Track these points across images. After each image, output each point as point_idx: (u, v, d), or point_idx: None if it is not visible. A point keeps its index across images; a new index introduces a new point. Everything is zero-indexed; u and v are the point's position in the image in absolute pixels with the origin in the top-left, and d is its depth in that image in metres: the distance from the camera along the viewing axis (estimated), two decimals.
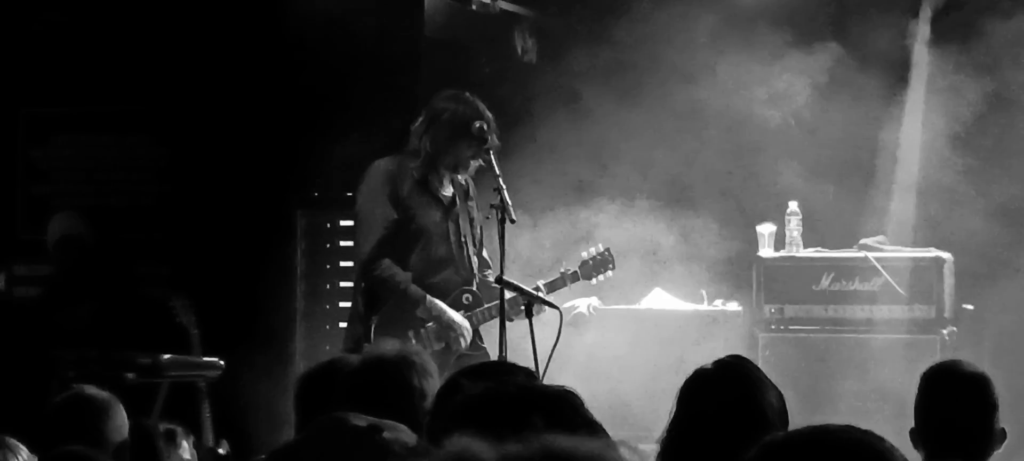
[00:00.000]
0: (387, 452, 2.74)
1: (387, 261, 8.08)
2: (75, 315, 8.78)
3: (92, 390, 5.69)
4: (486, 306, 8.17)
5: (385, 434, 2.71)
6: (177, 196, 10.14)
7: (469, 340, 8.09)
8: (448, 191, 8.26)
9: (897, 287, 9.36)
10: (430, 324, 8.06)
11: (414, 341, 7.81)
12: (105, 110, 10.27)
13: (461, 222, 8.26)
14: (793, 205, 9.62)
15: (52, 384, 7.17)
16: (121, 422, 5.55)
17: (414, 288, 8.06)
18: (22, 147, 10.54)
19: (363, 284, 8.28)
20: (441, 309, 8.06)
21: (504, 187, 7.89)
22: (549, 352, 7.70)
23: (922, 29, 10.25)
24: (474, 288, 8.23)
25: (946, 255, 9.42)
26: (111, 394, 5.63)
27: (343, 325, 9.44)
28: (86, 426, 5.40)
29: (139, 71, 10.08)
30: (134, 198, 10.17)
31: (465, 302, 8.16)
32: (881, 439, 2.87)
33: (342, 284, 9.88)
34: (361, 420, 3.80)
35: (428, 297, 8.05)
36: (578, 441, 1.79)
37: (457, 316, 8.09)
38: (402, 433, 2.76)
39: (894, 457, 2.85)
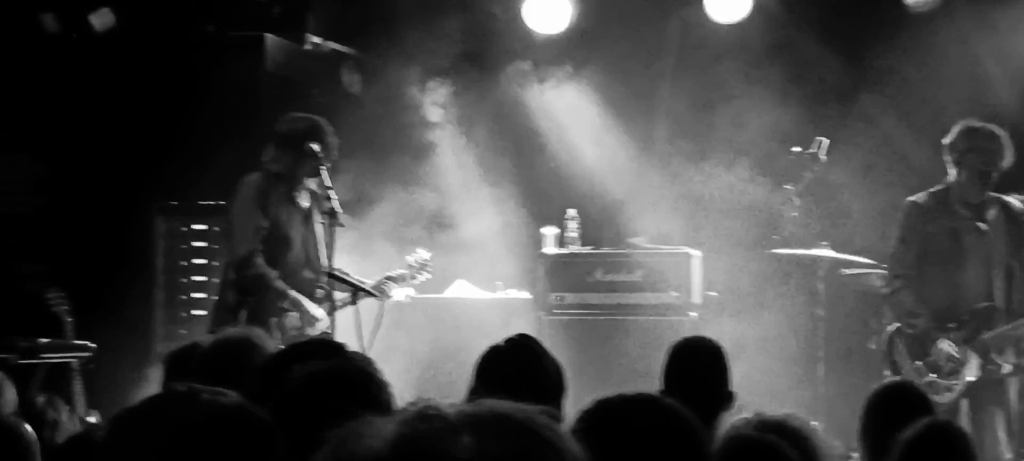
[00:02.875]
0: (208, 409, 2.49)
1: (259, 261, 8.07)
2: None
3: None
4: (336, 298, 8.23)
5: (203, 395, 2.53)
6: (54, 205, 10.11)
7: (323, 326, 8.06)
8: (305, 203, 8.26)
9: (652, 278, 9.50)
10: (292, 313, 8.05)
11: (277, 327, 7.93)
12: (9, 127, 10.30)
13: (315, 228, 8.22)
14: (572, 212, 9.93)
15: None
16: (11, 396, 5.73)
17: (280, 283, 8.06)
18: None
19: (236, 280, 8.18)
20: (301, 301, 8.08)
21: (334, 196, 8.07)
22: (372, 333, 8.07)
23: (666, 65, 10.44)
24: (324, 283, 8.21)
25: (695, 252, 9.64)
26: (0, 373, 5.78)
27: (196, 313, 9.71)
28: None
29: (21, 97, 10.21)
30: (15, 207, 10.13)
31: (318, 295, 8.17)
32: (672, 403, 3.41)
33: (195, 279, 10.13)
34: (185, 387, 3.48)
35: (291, 291, 8.06)
36: (516, 404, 1.69)
37: (313, 306, 8.11)
38: (221, 395, 2.58)
39: (680, 413, 3.27)
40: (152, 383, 6.65)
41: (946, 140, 8.20)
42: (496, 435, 1.59)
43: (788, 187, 9.56)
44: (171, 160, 10.10)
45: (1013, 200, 8.33)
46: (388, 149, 10.21)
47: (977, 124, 8.23)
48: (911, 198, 8.40)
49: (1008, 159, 8.11)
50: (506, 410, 1.64)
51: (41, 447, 4.50)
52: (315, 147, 8.09)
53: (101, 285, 9.50)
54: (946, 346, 8.10)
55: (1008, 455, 7.26)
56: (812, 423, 4.15)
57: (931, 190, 8.34)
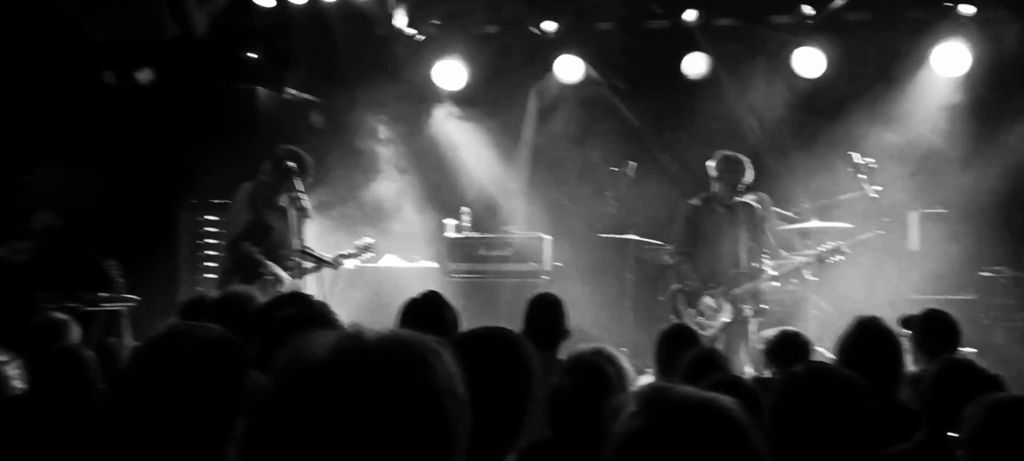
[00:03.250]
0: (201, 338, 2.27)
1: (246, 243, 8.02)
2: (51, 271, 8.47)
3: (58, 315, 5.73)
4: (305, 267, 8.14)
5: (197, 329, 2.32)
6: (109, 202, 9.99)
7: (290, 285, 7.84)
8: (283, 203, 8.09)
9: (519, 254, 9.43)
10: (269, 277, 7.92)
11: (260, 285, 7.57)
12: (67, 150, 10.14)
13: (290, 221, 8.04)
14: (465, 209, 9.91)
15: (33, 313, 6.55)
16: (76, 334, 5.57)
17: (260, 256, 7.98)
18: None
19: (232, 255, 8.17)
20: (275, 269, 7.98)
21: (304, 198, 8.01)
22: (330, 290, 8.02)
23: (529, 110, 10.41)
24: (295, 258, 8.10)
25: (547, 236, 9.58)
26: (69, 317, 5.68)
27: (207, 276, 9.57)
28: (59, 339, 5.26)
29: (88, 129, 10.06)
30: (83, 203, 9.92)
31: (289, 265, 8.05)
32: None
33: (207, 253, 9.91)
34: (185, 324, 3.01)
35: (268, 262, 7.97)
36: (418, 333, 1.64)
37: (282, 272, 7.99)
38: (209, 328, 2.36)
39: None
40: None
41: (710, 163, 8.21)
42: (398, 348, 1.58)
43: (608, 193, 9.63)
44: (191, 172, 10.02)
45: (751, 200, 8.32)
46: (343, 167, 10.07)
47: (729, 153, 8.24)
48: (689, 200, 8.37)
49: (750, 176, 8.14)
50: (409, 336, 1.62)
51: (100, 368, 4.47)
52: (292, 166, 8.02)
53: (142, 257, 9.27)
54: (709, 299, 8.14)
55: (748, 369, 7.37)
56: (622, 349, 4.27)
57: (701, 195, 8.31)
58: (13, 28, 8.79)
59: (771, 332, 5.41)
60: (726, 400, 1.85)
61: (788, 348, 4.98)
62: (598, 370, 3.65)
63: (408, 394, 1.53)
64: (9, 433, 4.10)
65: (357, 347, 1.55)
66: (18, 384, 4.49)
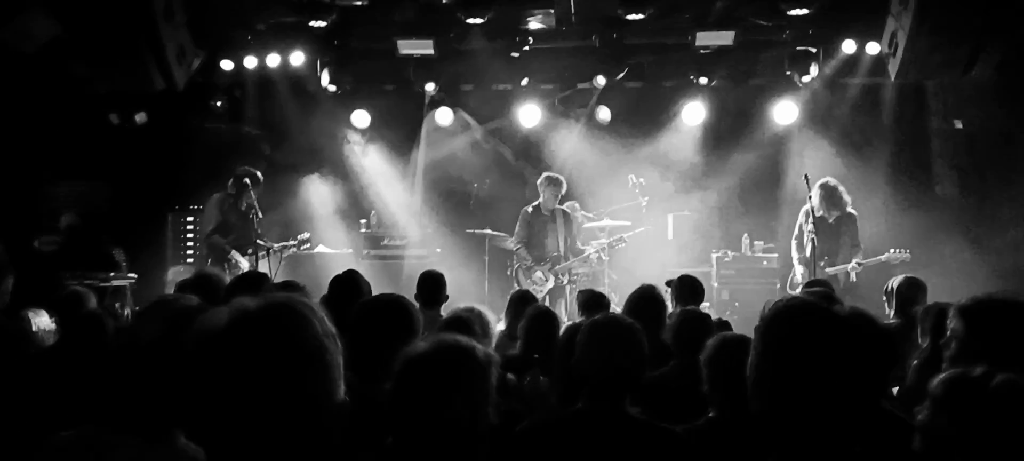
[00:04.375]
0: (184, 305, 2.12)
1: (216, 236, 7.85)
2: (74, 257, 7.94)
3: (79, 288, 5.35)
4: (259, 254, 7.86)
5: (181, 300, 2.17)
6: (115, 208, 9.53)
7: (246, 267, 7.60)
8: (243, 207, 7.87)
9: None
10: (233, 262, 7.71)
11: (227, 268, 7.56)
12: (83, 170, 9.60)
13: (252, 220, 7.77)
14: (374, 212, 9.68)
15: (59, 288, 6.64)
16: (92, 302, 5.08)
17: (228, 247, 7.78)
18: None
19: (206, 246, 7.98)
20: (237, 258, 7.76)
21: (257, 206, 7.80)
22: (277, 272, 7.68)
23: (417, 141, 10.16)
24: (251, 248, 7.84)
25: (428, 229, 9.50)
26: (87, 290, 5.28)
27: (189, 262, 9.15)
28: (81, 306, 4.87)
29: (98, 154, 9.56)
30: (95, 208, 9.34)
31: (248, 253, 7.82)
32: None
33: (187, 246, 9.47)
34: (173, 296, 2.72)
35: (232, 251, 7.77)
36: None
37: (242, 258, 7.78)
38: (190, 299, 2.18)
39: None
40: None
41: (538, 181, 8.27)
42: (276, 309, 1.44)
43: (471, 202, 9.66)
44: (175, 186, 9.68)
45: (566, 208, 8.39)
46: (284, 183, 9.74)
47: (551, 173, 8.30)
48: (525, 208, 8.37)
49: (565, 189, 8.20)
50: (284, 299, 1.47)
51: (108, 327, 4.19)
52: (248, 182, 7.86)
53: (139, 247, 8.85)
54: (539, 273, 8.19)
55: (566, 318, 7.38)
56: (483, 308, 4.08)
57: (533, 203, 8.33)
58: (41, 84, 8.33)
59: (583, 291, 5.37)
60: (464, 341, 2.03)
61: (592, 303, 4.93)
62: (468, 323, 3.63)
63: (288, 342, 1.42)
64: (44, 377, 3.90)
65: (246, 313, 1.44)
66: (50, 339, 4.29)
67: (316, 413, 1.40)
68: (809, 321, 1.85)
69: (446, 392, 2.13)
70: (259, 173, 8.07)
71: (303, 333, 1.43)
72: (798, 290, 6.64)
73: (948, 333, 2.70)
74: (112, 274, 8.11)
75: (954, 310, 2.66)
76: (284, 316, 1.44)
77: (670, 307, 4.92)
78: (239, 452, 1.38)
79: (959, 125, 9.10)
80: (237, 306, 1.44)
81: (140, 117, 9.60)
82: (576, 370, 2.91)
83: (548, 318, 4.19)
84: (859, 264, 7.58)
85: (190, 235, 9.59)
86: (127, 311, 7.49)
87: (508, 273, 8.91)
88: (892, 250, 7.57)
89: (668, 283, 5.45)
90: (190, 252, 9.45)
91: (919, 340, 3.85)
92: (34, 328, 4.35)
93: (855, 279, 7.56)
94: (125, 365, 2.03)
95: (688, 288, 5.28)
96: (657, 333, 4.21)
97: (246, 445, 1.37)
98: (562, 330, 3.84)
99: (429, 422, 2.13)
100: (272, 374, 1.39)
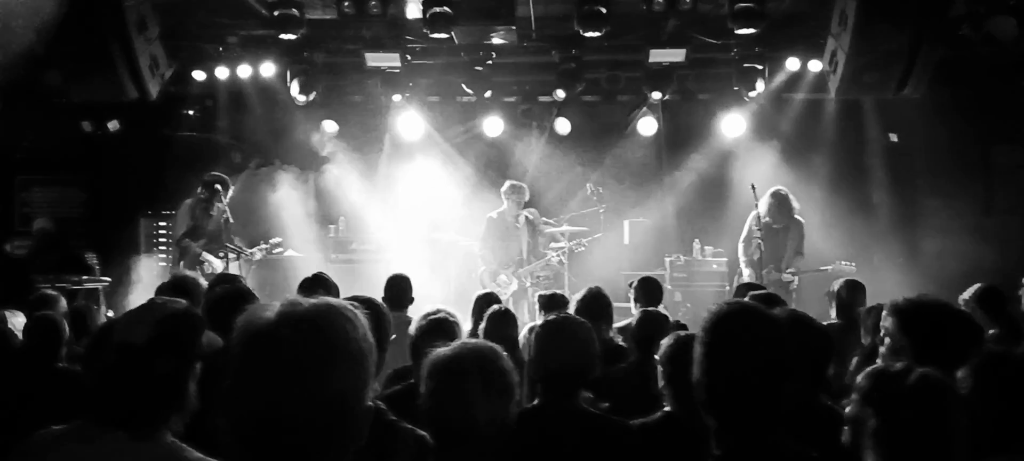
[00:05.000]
0: (171, 307, 2.10)
1: (187, 239, 7.75)
2: (45, 261, 7.87)
3: (50, 291, 5.42)
4: (230, 257, 7.79)
5: (169, 302, 2.15)
6: (90, 212, 9.59)
7: (220, 268, 7.49)
8: (215, 212, 7.75)
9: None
10: (206, 264, 7.61)
11: (200, 270, 7.47)
12: (59, 176, 9.55)
13: (222, 225, 7.71)
14: (342, 218, 9.54)
15: (32, 290, 6.53)
16: (63, 305, 5.23)
17: (197, 249, 7.69)
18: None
19: (178, 249, 7.86)
20: (210, 259, 7.67)
21: (227, 209, 7.77)
22: (248, 275, 7.64)
23: (383, 151, 9.99)
24: (222, 251, 7.73)
25: (393, 232, 9.31)
26: (58, 292, 5.41)
27: (161, 265, 9.09)
28: (49, 307, 4.86)
29: (74, 161, 9.50)
30: (71, 213, 9.49)
31: (219, 256, 7.73)
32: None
33: (160, 249, 9.48)
34: (160, 298, 2.55)
35: (203, 253, 7.67)
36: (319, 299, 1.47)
37: (215, 260, 7.69)
38: (176, 302, 2.17)
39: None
40: (142, 298, 6.22)
41: (502, 189, 8.24)
42: (325, 310, 1.46)
43: (440, 209, 9.60)
44: (148, 191, 9.64)
45: (528, 214, 8.25)
46: (253, 190, 9.60)
47: (515, 182, 8.29)
48: (489, 214, 8.31)
49: (527, 197, 8.17)
50: (335, 302, 1.50)
51: (72, 329, 4.28)
52: (219, 187, 7.77)
53: (112, 251, 8.82)
54: (503, 276, 8.16)
55: (529, 321, 7.41)
56: (450, 309, 3.96)
57: (498, 210, 8.25)
58: (19, 95, 8.21)
59: (543, 293, 5.33)
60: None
61: (552, 303, 4.89)
62: (444, 321, 3.56)
63: (335, 342, 1.43)
64: (14, 373, 3.99)
65: (296, 311, 1.45)
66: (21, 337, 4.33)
67: (350, 415, 1.42)
68: (747, 322, 1.92)
69: (475, 394, 2.22)
70: (229, 179, 8.04)
71: (351, 335, 1.45)
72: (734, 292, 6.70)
73: (882, 331, 2.76)
74: (85, 277, 7.93)
75: (888, 309, 2.73)
76: (336, 317, 1.45)
77: (633, 309, 4.97)
78: (274, 448, 1.37)
79: (894, 138, 9.34)
80: (288, 304, 1.44)
81: (113, 125, 9.54)
82: (531, 367, 2.94)
83: (506, 317, 4.18)
84: (793, 272, 7.68)
85: (163, 239, 9.53)
86: (102, 313, 7.40)
87: (473, 276, 8.82)
88: (839, 262, 7.71)
89: (630, 284, 5.47)
90: (163, 256, 9.37)
91: (862, 338, 3.95)
92: (11, 326, 4.44)
93: (796, 284, 7.69)
94: (116, 364, 2.04)
95: (648, 290, 5.31)
96: (605, 333, 4.27)
97: (281, 440, 1.37)
98: (514, 328, 3.87)
99: (462, 423, 2.21)
100: (317, 371, 1.39)
